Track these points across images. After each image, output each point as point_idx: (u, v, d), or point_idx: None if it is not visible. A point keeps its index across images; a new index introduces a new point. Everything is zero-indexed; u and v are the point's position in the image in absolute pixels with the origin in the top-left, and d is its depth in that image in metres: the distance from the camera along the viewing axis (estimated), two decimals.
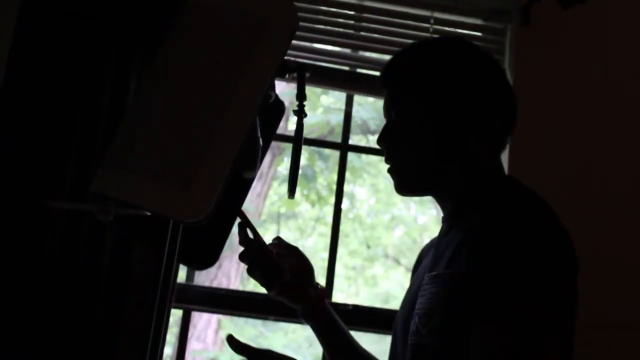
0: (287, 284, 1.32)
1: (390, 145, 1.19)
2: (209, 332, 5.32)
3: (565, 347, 1.04)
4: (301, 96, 1.22)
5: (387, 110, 1.22)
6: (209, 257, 1.29)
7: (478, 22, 2.54)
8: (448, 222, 1.19)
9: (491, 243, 1.00)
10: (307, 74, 1.23)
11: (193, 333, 5.14)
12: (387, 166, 1.22)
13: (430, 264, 1.15)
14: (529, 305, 0.97)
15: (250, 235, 1.30)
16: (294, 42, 1.33)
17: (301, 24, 2.31)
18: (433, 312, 1.06)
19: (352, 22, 2.53)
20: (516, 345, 0.97)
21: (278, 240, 1.37)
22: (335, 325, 1.38)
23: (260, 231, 1.31)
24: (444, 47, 1.24)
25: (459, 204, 1.17)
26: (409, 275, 1.39)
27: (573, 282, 1.04)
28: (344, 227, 5.63)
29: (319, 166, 5.73)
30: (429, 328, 1.05)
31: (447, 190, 1.18)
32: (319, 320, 1.37)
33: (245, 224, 1.29)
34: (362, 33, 2.51)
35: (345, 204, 5.77)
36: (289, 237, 5.85)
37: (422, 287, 1.12)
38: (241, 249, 1.30)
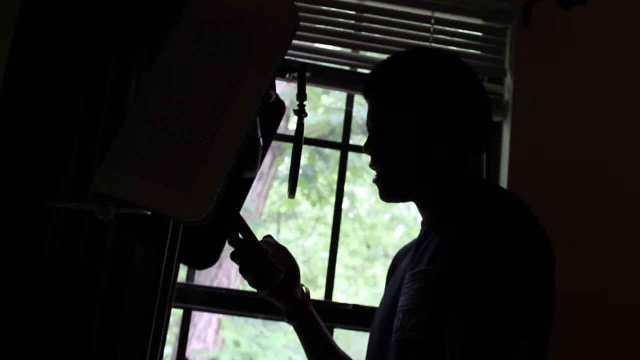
0: (280, 284, 1.33)
1: (376, 152, 1.24)
2: (210, 331, 5.33)
3: (537, 348, 1.05)
4: (302, 96, 1.23)
5: (371, 118, 1.27)
6: (209, 256, 1.29)
7: (478, 22, 2.54)
8: (428, 226, 1.23)
9: (470, 242, 1.03)
10: (308, 74, 1.23)
11: (193, 333, 5.14)
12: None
13: (412, 264, 1.18)
14: (501, 303, 0.99)
15: (241, 235, 1.30)
16: (294, 41, 1.33)
17: (301, 23, 2.30)
18: (416, 307, 1.08)
19: (352, 21, 2.53)
20: (484, 341, 0.98)
21: (269, 238, 1.38)
22: (318, 326, 1.41)
23: (260, 231, 1.31)
24: (424, 57, 1.29)
25: (440, 208, 1.21)
26: None
27: (549, 283, 1.07)
28: (344, 226, 5.64)
29: (320, 166, 5.73)
30: (412, 323, 1.08)
31: (429, 196, 1.23)
32: (304, 322, 1.39)
33: (239, 224, 1.29)
34: (363, 33, 2.51)
35: (345, 204, 5.77)
36: (289, 237, 5.85)
37: (404, 285, 1.14)
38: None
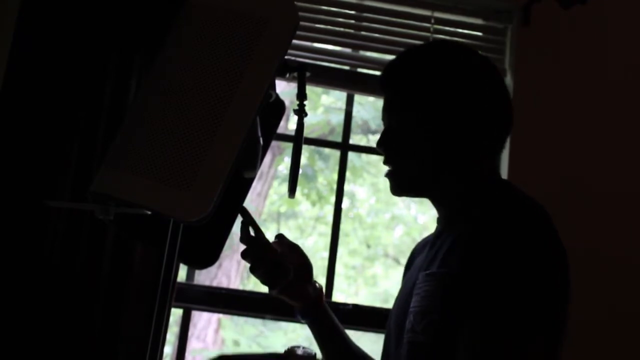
0: (290, 282, 1.32)
1: (389, 150, 1.21)
2: (209, 331, 5.32)
3: (552, 348, 1.05)
4: (302, 96, 1.22)
5: (386, 115, 1.24)
6: (209, 256, 1.29)
7: (478, 21, 2.54)
8: (443, 223, 1.22)
9: (484, 244, 1.03)
10: (308, 74, 1.23)
11: (193, 332, 5.14)
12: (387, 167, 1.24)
13: (425, 263, 1.17)
14: (515, 305, 0.99)
15: (252, 233, 1.30)
16: (294, 41, 1.33)
17: (302, 23, 2.31)
18: (428, 310, 1.08)
19: (352, 21, 2.53)
20: (499, 343, 0.98)
21: (280, 238, 1.37)
22: (333, 324, 1.40)
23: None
24: (441, 51, 1.25)
25: (455, 206, 1.20)
26: None
27: (563, 285, 1.06)
28: (344, 226, 5.63)
29: (320, 166, 5.73)
30: (423, 325, 1.07)
31: (443, 193, 1.21)
32: (318, 319, 1.38)
33: (248, 221, 1.29)
34: (363, 33, 2.51)
35: (345, 204, 5.76)
36: (289, 236, 5.81)
37: (416, 285, 1.14)
38: (242, 247, 1.30)
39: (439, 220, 1.24)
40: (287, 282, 1.32)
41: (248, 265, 1.31)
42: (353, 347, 1.40)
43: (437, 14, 2.50)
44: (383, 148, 1.22)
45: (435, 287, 1.08)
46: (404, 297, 1.20)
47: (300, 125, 1.23)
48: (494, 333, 0.99)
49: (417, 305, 1.10)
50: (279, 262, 1.30)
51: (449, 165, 1.18)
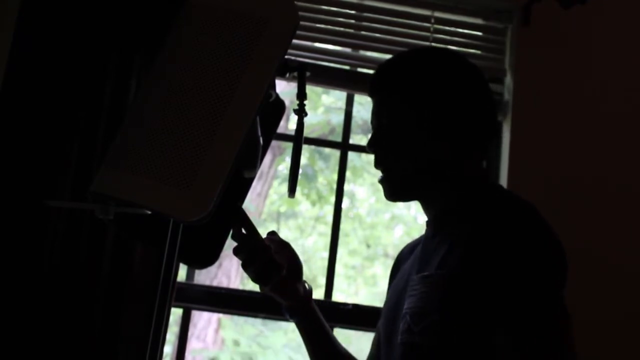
0: (282, 280, 1.32)
1: (381, 150, 1.24)
2: (209, 331, 5.33)
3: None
4: (302, 95, 1.22)
5: (375, 116, 1.27)
6: (209, 256, 1.29)
7: (478, 21, 2.54)
8: (434, 226, 1.23)
9: (485, 244, 1.04)
10: (308, 73, 1.23)
11: (193, 332, 5.14)
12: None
13: (418, 265, 1.18)
14: (516, 307, 1.01)
15: (244, 231, 1.30)
16: (294, 41, 1.33)
17: (302, 23, 2.31)
18: (426, 311, 1.08)
19: (352, 21, 2.53)
20: (533, 351, 1.00)
21: (272, 234, 1.38)
22: (321, 324, 1.40)
23: (260, 231, 1.31)
24: (431, 57, 1.29)
25: (446, 208, 1.21)
26: None
27: (562, 285, 1.08)
28: (344, 226, 5.63)
29: (320, 165, 5.73)
30: (421, 327, 1.08)
31: (434, 195, 1.22)
32: (306, 318, 1.39)
33: (242, 220, 1.28)
34: (363, 32, 2.51)
35: (345, 203, 5.77)
36: (289, 236, 5.85)
37: (410, 287, 1.14)
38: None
39: (428, 224, 1.26)
40: (279, 280, 1.32)
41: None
42: (339, 348, 1.41)
43: (437, 14, 2.50)
44: (374, 148, 1.24)
45: (433, 288, 1.09)
46: (394, 300, 1.21)
47: (300, 125, 1.23)
48: (528, 343, 1.00)
49: (414, 306, 1.10)
50: (271, 259, 1.30)
51: (438, 167, 1.20)
